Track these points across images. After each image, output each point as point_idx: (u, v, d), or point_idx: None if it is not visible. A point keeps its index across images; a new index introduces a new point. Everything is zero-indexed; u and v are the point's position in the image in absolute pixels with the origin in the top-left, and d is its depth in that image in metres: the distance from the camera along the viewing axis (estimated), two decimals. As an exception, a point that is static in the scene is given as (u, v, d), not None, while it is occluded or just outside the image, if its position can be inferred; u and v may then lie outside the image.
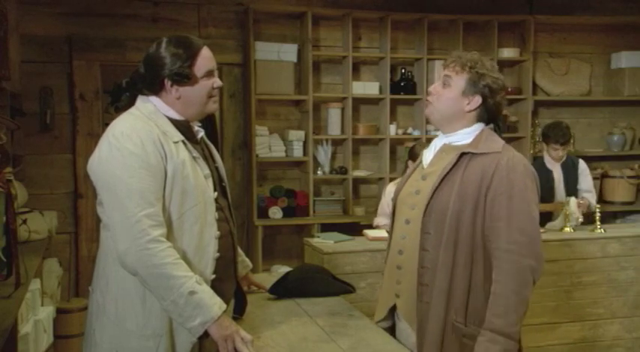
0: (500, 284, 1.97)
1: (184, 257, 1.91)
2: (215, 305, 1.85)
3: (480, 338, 1.96)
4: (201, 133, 2.10)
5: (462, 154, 2.08)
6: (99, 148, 1.92)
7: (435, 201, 2.07)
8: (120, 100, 2.05)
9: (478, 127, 2.15)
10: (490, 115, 2.15)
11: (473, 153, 2.07)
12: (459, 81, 2.10)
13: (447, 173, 2.07)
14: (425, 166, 2.21)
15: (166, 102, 2.00)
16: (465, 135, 2.14)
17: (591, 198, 4.46)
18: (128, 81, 2.04)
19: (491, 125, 2.19)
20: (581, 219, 4.20)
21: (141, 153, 1.85)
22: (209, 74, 2.00)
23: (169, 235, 1.88)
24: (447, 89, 2.12)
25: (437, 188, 2.07)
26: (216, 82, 2.03)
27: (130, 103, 2.03)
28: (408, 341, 2.16)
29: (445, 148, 2.17)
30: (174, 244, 1.89)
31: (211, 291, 1.88)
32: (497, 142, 2.11)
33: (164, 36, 2.02)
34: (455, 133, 2.15)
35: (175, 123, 2.00)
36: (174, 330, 1.93)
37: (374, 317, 2.31)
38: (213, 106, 2.06)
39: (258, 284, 2.54)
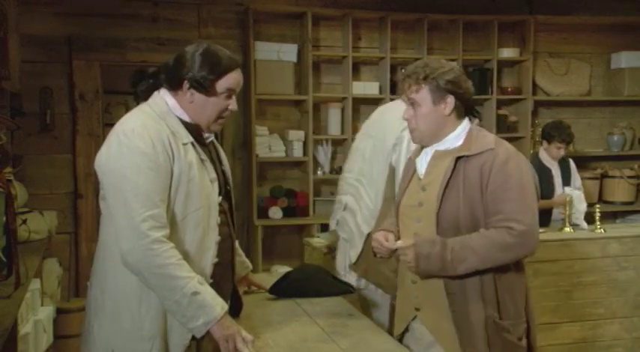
0: (480, 246, 1.99)
1: (184, 259, 1.90)
2: (217, 305, 1.86)
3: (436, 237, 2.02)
4: (210, 138, 2.10)
5: (458, 159, 2.06)
6: (108, 144, 1.91)
7: (444, 211, 2.05)
8: (139, 85, 2.05)
9: (464, 127, 2.13)
10: (465, 104, 2.13)
11: (467, 156, 2.06)
12: (424, 95, 2.09)
13: (448, 181, 2.05)
14: (421, 176, 2.18)
15: (180, 104, 1.99)
16: (454, 139, 2.12)
17: (581, 194, 4.51)
18: (154, 70, 2.04)
19: (476, 120, 2.18)
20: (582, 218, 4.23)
21: (150, 153, 1.85)
22: (229, 94, 1.99)
23: (172, 236, 1.88)
24: (418, 108, 2.11)
25: (442, 198, 2.05)
26: (233, 104, 2.02)
27: (148, 92, 2.03)
28: (423, 339, 2.17)
29: (438, 155, 2.15)
30: (176, 246, 1.88)
31: (213, 292, 1.89)
32: (488, 137, 2.11)
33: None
34: (444, 140, 2.14)
35: (186, 124, 1.99)
36: (169, 332, 1.93)
37: (394, 330, 2.31)
38: (217, 127, 2.05)
39: (258, 285, 2.54)
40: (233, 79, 1.98)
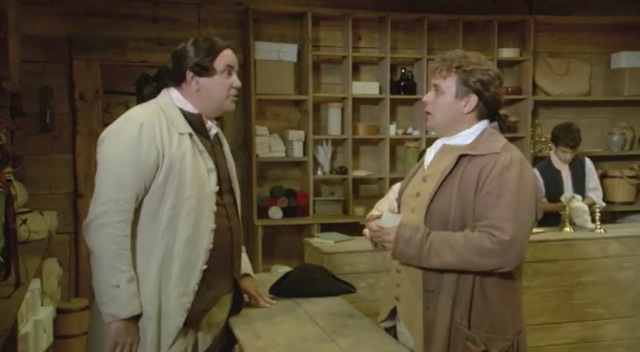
0: (459, 244, 1.94)
1: (177, 245, 1.99)
2: (129, 306, 1.94)
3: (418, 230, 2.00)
4: (214, 130, 2.19)
5: (461, 156, 2.03)
6: (114, 123, 2.06)
7: (435, 205, 2.03)
8: (144, 90, 2.19)
9: (479, 127, 2.09)
10: (490, 109, 2.09)
11: (471, 155, 2.02)
12: (449, 85, 2.06)
13: (446, 176, 2.03)
14: (426, 167, 2.17)
15: (185, 95, 2.12)
16: (466, 137, 2.09)
17: (597, 196, 4.51)
18: (155, 73, 2.18)
19: (495, 124, 2.13)
20: (590, 224, 4.16)
21: (136, 141, 1.97)
22: (228, 71, 2.13)
23: (164, 222, 1.98)
24: (441, 96, 2.08)
25: (436, 192, 2.03)
26: (235, 81, 2.16)
27: (153, 94, 2.16)
28: (407, 344, 2.15)
29: (445, 149, 2.13)
30: (168, 232, 1.99)
31: (134, 292, 1.95)
32: (497, 142, 2.05)
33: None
34: (456, 135, 2.11)
35: (188, 116, 2.10)
36: (162, 316, 2.00)
37: (378, 317, 2.30)
38: (230, 105, 2.18)
39: (244, 290, 2.41)
40: (228, 56, 2.14)
